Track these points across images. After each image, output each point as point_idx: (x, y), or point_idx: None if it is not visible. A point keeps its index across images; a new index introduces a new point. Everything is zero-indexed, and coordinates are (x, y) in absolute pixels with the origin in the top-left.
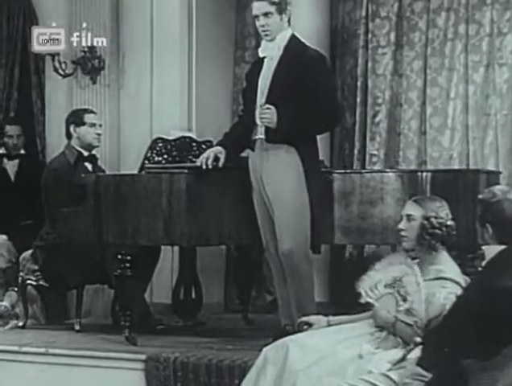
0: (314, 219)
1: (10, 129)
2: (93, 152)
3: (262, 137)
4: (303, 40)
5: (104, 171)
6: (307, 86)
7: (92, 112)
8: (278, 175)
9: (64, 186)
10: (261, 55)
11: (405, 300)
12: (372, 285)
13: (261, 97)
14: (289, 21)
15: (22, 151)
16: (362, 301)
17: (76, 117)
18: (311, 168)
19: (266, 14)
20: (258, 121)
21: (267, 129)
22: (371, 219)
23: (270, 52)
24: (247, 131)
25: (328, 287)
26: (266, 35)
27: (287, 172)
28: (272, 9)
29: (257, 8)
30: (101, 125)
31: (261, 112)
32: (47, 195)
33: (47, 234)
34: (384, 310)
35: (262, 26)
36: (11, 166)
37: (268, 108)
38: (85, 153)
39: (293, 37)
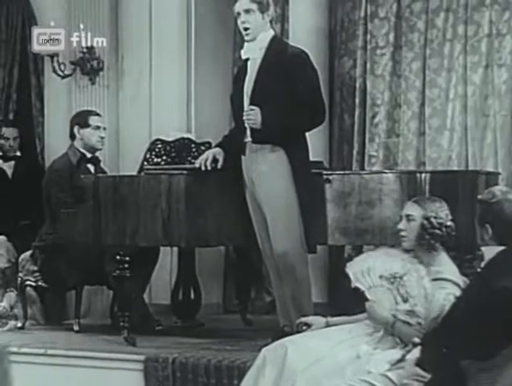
0: (304, 219)
1: (7, 132)
2: (96, 154)
3: (250, 139)
4: (285, 40)
5: (106, 174)
6: (289, 84)
7: (97, 114)
8: (266, 176)
9: (66, 186)
10: (243, 56)
11: (406, 301)
12: (364, 269)
13: (246, 99)
14: (271, 22)
15: (18, 153)
16: (352, 285)
17: (80, 119)
18: (299, 168)
19: (247, 11)
20: (245, 124)
21: (253, 131)
22: (370, 219)
23: (252, 54)
24: (243, 135)
25: (326, 288)
26: (247, 34)
27: (275, 173)
28: (253, 6)
29: (239, 5)
30: (105, 128)
31: (245, 114)
32: (49, 196)
33: (46, 234)
34: (380, 307)
35: (243, 22)
36: (7, 168)
37: (252, 110)
38: (88, 155)
39: (274, 38)
